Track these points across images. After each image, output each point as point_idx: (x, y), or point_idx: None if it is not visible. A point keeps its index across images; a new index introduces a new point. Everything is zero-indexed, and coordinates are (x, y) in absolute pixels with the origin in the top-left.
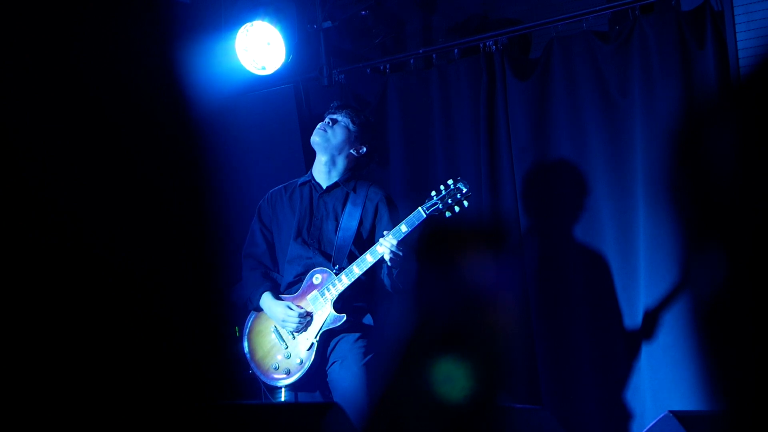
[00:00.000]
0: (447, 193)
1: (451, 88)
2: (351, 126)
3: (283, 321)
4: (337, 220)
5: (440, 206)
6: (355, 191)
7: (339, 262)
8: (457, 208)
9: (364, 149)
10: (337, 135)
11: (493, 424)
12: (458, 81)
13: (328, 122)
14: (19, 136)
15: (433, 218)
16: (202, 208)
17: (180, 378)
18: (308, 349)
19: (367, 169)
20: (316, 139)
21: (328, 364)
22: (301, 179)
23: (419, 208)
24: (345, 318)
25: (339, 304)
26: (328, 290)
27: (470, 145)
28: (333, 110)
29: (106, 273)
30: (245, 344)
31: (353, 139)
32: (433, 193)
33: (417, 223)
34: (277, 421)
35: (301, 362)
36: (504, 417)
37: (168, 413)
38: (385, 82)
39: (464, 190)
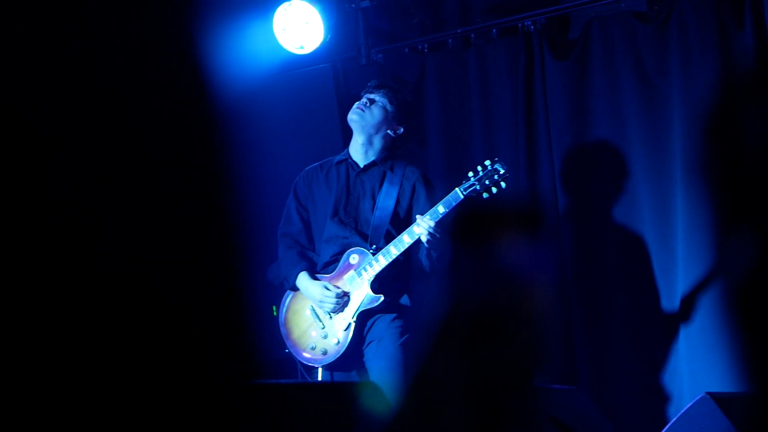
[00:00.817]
0: (484, 174)
1: (489, 68)
2: (389, 106)
3: (320, 302)
4: (374, 199)
5: (477, 187)
6: (392, 170)
7: (376, 242)
8: (494, 189)
9: (402, 129)
10: (375, 115)
11: (528, 405)
12: (496, 61)
13: (366, 102)
14: (21, 123)
15: (471, 199)
16: (237, 189)
17: (214, 359)
18: (345, 330)
19: (404, 148)
20: (353, 117)
21: (365, 344)
22: (338, 157)
23: (456, 189)
24: (382, 298)
25: (376, 285)
26: (365, 270)
27: (508, 126)
28: (371, 89)
29: (134, 256)
30: (282, 323)
31: (391, 119)
32: (471, 174)
33: (454, 204)
34: (315, 400)
35: (338, 342)
36: (539, 397)
37: (203, 394)
38: (423, 62)
39: (501, 171)
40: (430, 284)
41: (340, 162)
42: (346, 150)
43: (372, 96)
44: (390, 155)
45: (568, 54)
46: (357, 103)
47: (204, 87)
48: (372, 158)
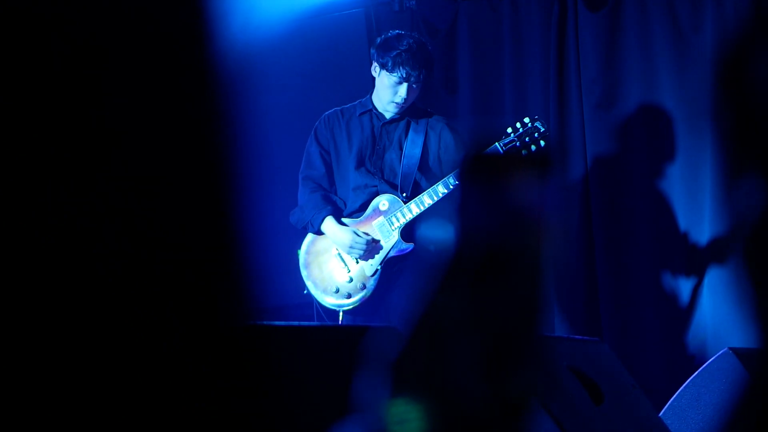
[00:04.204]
0: (524, 132)
1: (522, 17)
2: (415, 84)
3: (350, 248)
4: (401, 149)
5: (517, 144)
6: (416, 121)
7: (405, 189)
8: (533, 147)
9: (422, 85)
10: (409, 99)
11: (540, 352)
12: (529, 10)
13: (402, 101)
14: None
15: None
16: (265, 132)
17: (223, 302)
18: (372, 275)
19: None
20: (391, 109)
21: (390, 290)
22: (360, 108)
23: (496, 144)
24: (413, 246)
25: (405, 232)
26: (396, 218)
27: (539, 75)
28: (398, 70)
29: (149, 199)
30: (304, 265)
31: (418, 89)
32: (510, 130)
33: None
34: (332, 343)
35: (364, 286)
36: (559, 347)
37: (209, 337)
38: (456, 10)
39: (542, 129)
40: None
41: (363, 113)
42: (368, 98)
43: (404, 87)
44: (414, 105)
45: (602, 5)
46: (389, 90)
47: (228, 29)
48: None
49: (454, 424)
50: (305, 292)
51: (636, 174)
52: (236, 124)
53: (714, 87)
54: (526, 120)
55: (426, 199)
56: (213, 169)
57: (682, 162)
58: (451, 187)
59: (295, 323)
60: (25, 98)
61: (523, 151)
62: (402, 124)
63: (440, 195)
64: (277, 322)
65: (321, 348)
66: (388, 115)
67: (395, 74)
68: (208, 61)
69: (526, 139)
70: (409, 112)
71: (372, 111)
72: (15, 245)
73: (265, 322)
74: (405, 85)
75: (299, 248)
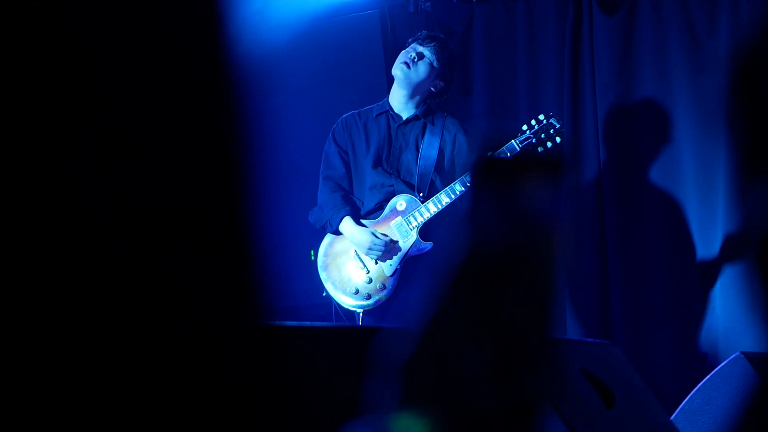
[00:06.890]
0: (540, 128)
1: (537, 20)
2: (435, 63)
3: (369, 249)
4: (417, 150)
5: (533, 141)
6: (432, 123)
7: (422, 189)
8: (549, 144)
9: (442, 84)
10: (420, 72)
11: (552, 354)
12: (545, 13)
13: (414, 57)
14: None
15: (526, 151)
16: (278, 134)
17: (247, 302)
18: (392, 276)
19: (446, 96)
20: (398, 73)
21: (407, 290)
22: (377, 109)
23: (513, 141)
24: (431, 246)
25: (423, 232)
26: (414, 218)
27: (553, 78)
28: (420, 41)
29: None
30: (323, 267)
31: (435, 75)
32: (525, 127)
33: (510, 156)
34: (342, 344)
35: (383, 287)
36: (570, 349)
37: (225, 334)
38: (471, 12)
39: (557, 126)
40: (451, 226)
41: (380, 114)
42: (385, 100)
43: (421, 50)
44: (430, 107)
45: (617, 9)
46: (402, 54)
47: (242, 31)
48: (413, 111)
49: (465, 426)
50: (324, 294)
51: (649, 178)
52: (251, 124)
53: (728, 92)
54: (541, 117)
55: (444, 198)
56: (228, 170)
57: (696, 166)
58: (468, 185)
59: (307, 323)
60: (59, 105)
61: (539, 148)
62: (418, 125)
63: (458, 193)
64: (288, 322)
65: (332, 349)
66: (403, 114)
67: (414, 41)
68: (222, 63)
69: (542, 135)
70: (425, 113)
71: (389, 112)
72: (34, 255)
73: (276, 322)
74: (420, 48)
75: (317, 250)
